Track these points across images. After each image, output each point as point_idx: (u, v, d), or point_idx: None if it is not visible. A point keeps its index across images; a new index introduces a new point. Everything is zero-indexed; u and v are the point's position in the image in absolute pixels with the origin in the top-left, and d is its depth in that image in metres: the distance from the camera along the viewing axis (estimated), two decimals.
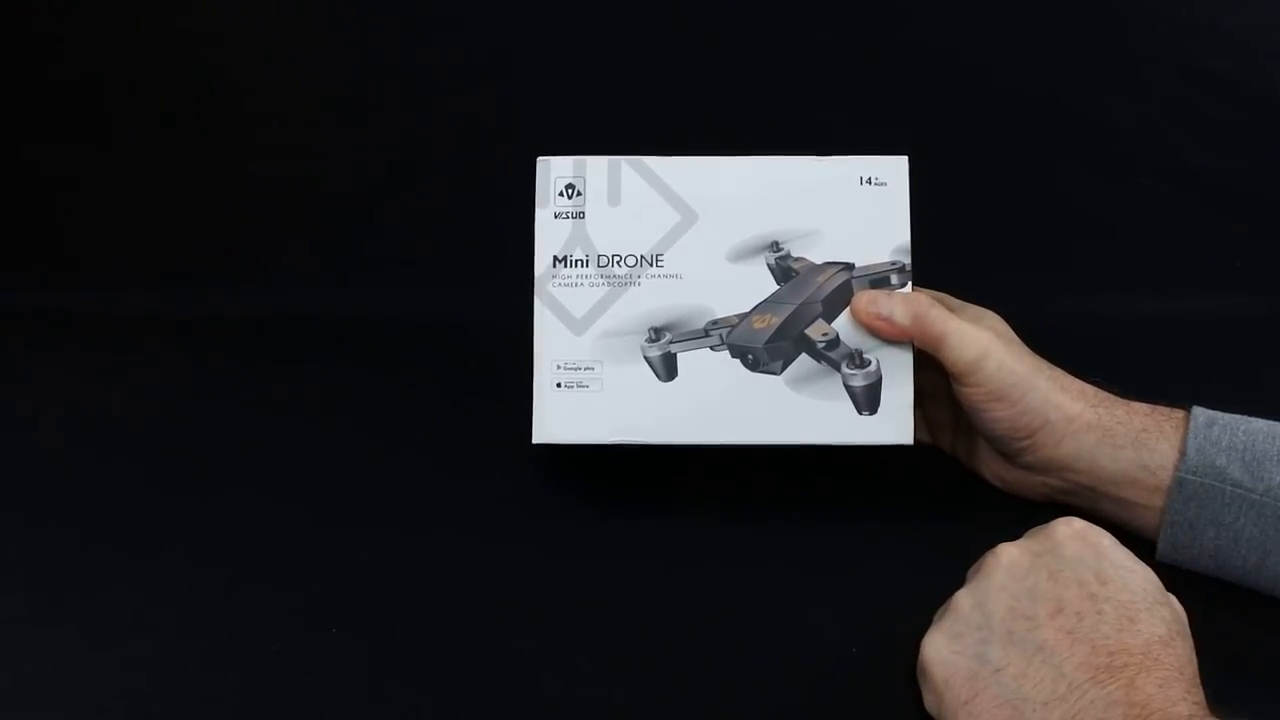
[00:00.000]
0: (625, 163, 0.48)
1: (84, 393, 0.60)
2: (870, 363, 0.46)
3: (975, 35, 0.63)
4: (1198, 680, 0.34)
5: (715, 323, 0.47)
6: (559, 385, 0.46)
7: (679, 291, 0.47)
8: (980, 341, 0.44)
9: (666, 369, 0.47)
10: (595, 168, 0.48)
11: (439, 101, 0.67)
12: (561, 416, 0.46)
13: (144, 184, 0.69)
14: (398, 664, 0.42)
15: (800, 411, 0.46)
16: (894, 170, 0.48)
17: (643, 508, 0.51)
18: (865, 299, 0.46)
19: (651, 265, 0.47)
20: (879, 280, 0.47)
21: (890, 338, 0.46)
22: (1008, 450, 0.47)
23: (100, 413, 0.58)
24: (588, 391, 0.46)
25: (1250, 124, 0.64)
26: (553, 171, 0.48)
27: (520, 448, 0.55)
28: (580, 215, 0.48)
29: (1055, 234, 0.66)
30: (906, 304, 0.45)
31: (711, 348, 0.46)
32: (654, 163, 0.48)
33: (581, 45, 0.65)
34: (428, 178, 0.68)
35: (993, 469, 0.49)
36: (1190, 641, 0.36)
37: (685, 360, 0.47)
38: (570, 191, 0.48)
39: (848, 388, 0.46)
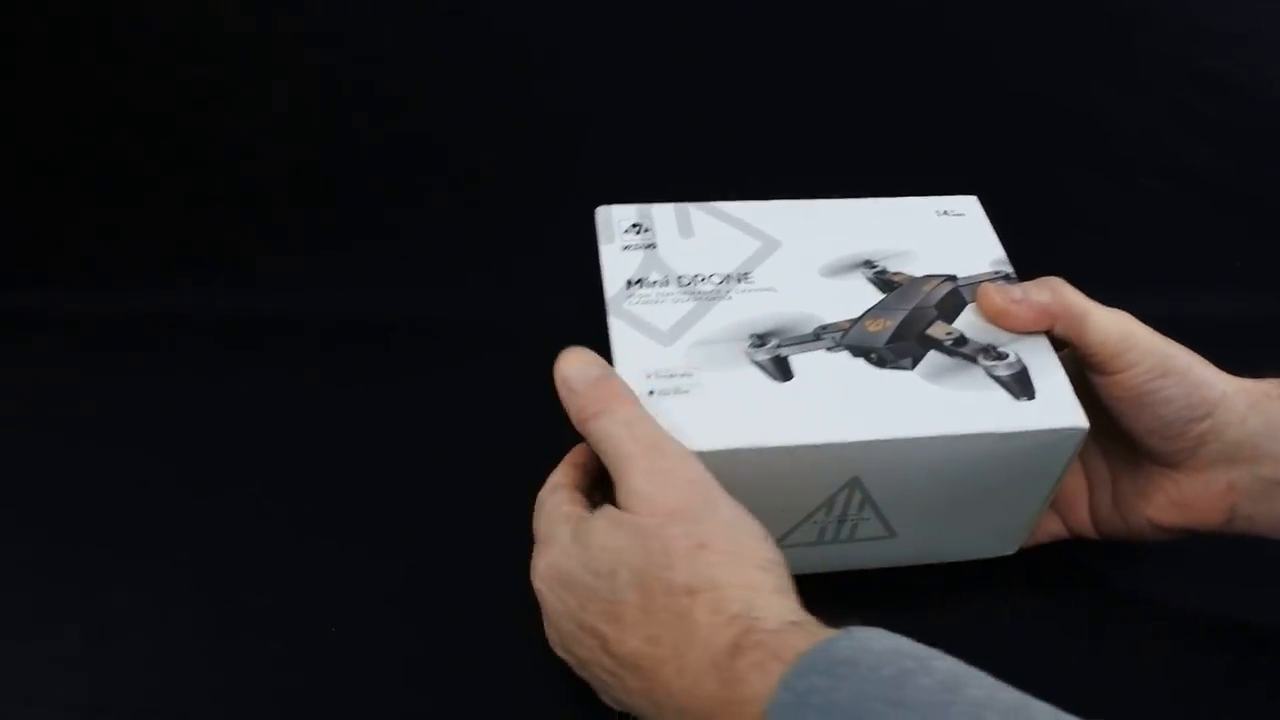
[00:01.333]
0: (693, 207, 0.46)
1: (83, 392, 0.60)
2: (1008, 354, 0.41)
3: (975, 35, 0.63)
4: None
5: (825, 328, 0.42)
6: (651, 393, 0.39)
7: (776, 302, 0.42)
8: (1121, 317, 0.40)
9: (780, 370, 0.40)
10: (661, 211, 0.45)
11: (439, 101, 0.67)
12: (662, 421, 0.38)
13: (144, 184, 0.69)
14: (397, 664, 0.42)
15: (948, 402, 0.39)
16: (968, 205, 0.47)
17: None
18: (993, 288, 0.42)
19: (739, 281, 0.43)
20: (990, 279, 0.44)
21: (1025, 326, 0.41)
22: (1185, 441, 0.40)
23: (99, 413, 0.58)
24: (689, 397, 0.39)
25: (1250, 124, 0.64)
26: (614, 216, 0.45)
27: (522, 448, 0.55)
28: (652, 246, 0.44)
29: (1055, 234, 0.66)
30: (1041, 284, 0.41)
31: (827, 349, 0.41)
32: (723, 206, 0.46)
33: (594, 48, 0.65)
34: (429, 177, 0.68)
35: (1167, 494, 0.42)
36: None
37: (799, 362, 0.40)
38: (637, 229, 0.45)
39: (994, 378, 0.40)
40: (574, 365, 0.40)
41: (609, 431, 0.37)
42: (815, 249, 0.45)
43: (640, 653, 0.34)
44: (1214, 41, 0.62)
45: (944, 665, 0.30)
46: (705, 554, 0.34)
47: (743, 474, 0.37)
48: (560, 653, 0.39)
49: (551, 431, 0.57)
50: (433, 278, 0.68)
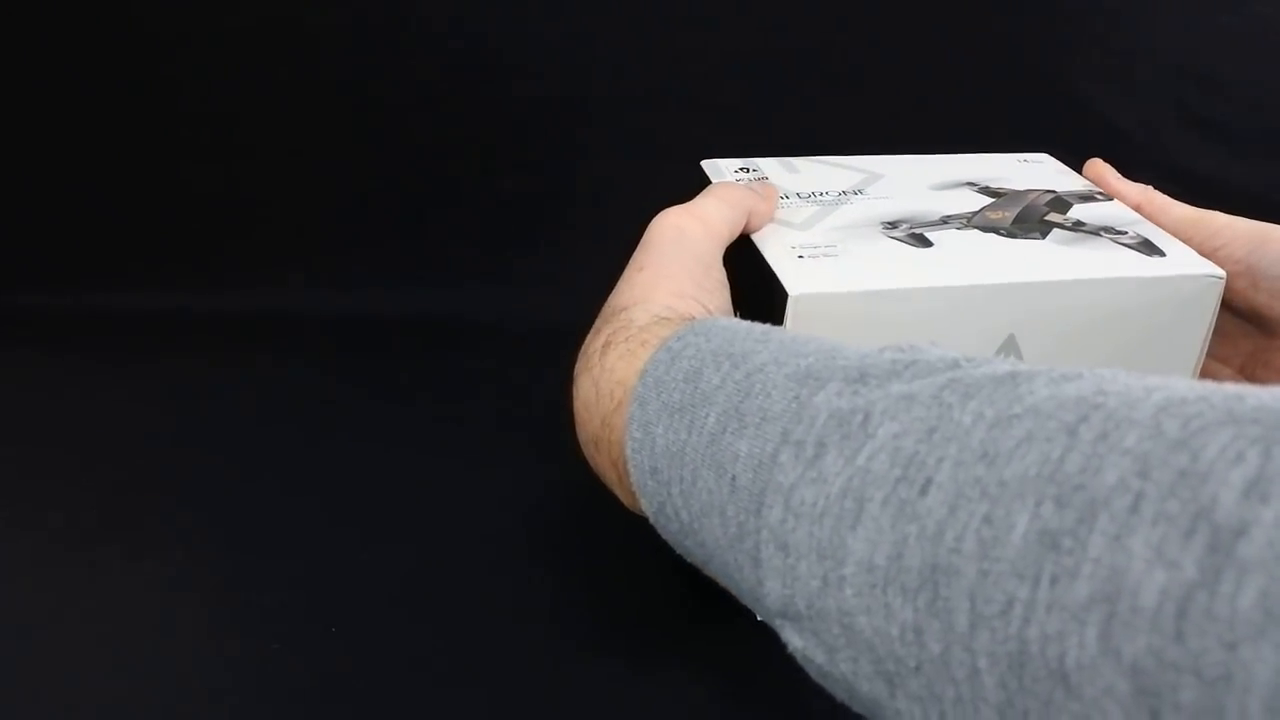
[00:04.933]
0: (793, 159, 0.48)
1: (83, 392, 0.60)
2: (1126, 231, 0.43)
3: (975, 35, 0.64)
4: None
5: (950, 216, 0.44)
6: (801, 257, 0.40)
7: (897, 205, 0.45)
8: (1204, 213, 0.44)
9: (919, 242, 0.42)
10: (765, 161, 0.48)
11: (440, 103, 0.67)
12: (815, 276, 0.39)
13: (144, 184, 0.69)
14: (397, 664, 0.42)
15: (1086, 258, 0.41)
16: (1044, 158, 0.51)
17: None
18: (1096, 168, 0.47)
19: (856, 194, 0.46)
20: (1086, 197, 0.46)
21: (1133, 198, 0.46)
22: None
23: (99, 413, 0.58)
24: (838, 260, 0.40)
25: (1250, 124, 0.64)
26: (721, 165, 0.48)
27: (523, 448, 0.55)
28: (764, 179, 0.47)
29: None
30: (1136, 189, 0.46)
31: (957, 228, 0.43)
32: (820, 157, 0.49)
33: (595, 48, 0.65)
34: (430, 177, 0.68)
35: None
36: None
37: (934, 236, 0.42)
38: (745, 171, 0.47)
39: (1122, 245, 0.42)
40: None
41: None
42: (917, 176, 0.48)
43: (572, 385, 0.36)
44: (1214, 41, 0.62)
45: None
46: (636, 274, 0.37)
47: (897, 325, 0.39)
48: None
49: (553, 432, 0.57)
50: (435, 277, 0.68)
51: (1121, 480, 0.19)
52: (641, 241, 0.39)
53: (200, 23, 0.65)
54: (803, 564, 0.24)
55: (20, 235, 0.70)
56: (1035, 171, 0.50)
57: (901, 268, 0.39)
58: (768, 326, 0.32)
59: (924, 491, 0.22)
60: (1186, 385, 0.21)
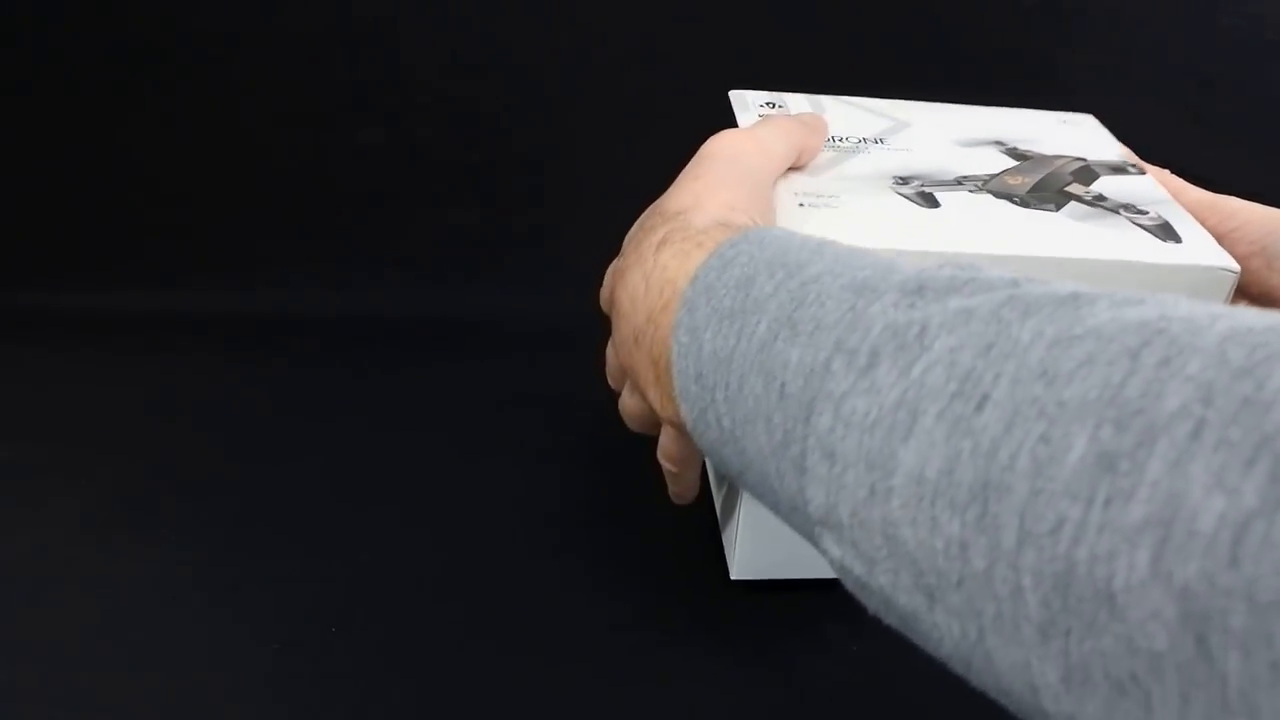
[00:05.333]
0: (823, 97, 0.48)
1: (83, 392, 0.60)
2: (1148, 211, 0.41)
3: (974, 33, 0.63)
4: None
5: (966, 177, 0.42)
6: (801, 205, 0.40)
7: (915, 158, 0.44)
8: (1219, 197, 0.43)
9: (927, 201, 0.40)
10: (793, 97, 0.47)
11: (439, 103, 0.67)
12: (805, 226, 0.38)
13: (144, 184, 0.69)
14: (398, 664, 0.42)
15: (1096, 236, 0.39)
16: (1086, 119, 0.49)
17: (648, 509, 0.51)
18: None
19: (877, 143, 0.45)
20: (1117, 169, 0.45)
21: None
22: None
23: (99, 413, 0.58)
24: (836, 212, 0.39)
25: (1250, 124, 0.64)
26: (749, 97, 0.47)
27: (523, 449, 0.55)
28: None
29: None
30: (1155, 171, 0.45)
31: (969, 191, 0.41)
32: (849, 98, 0.48)
33: (598, 48, 0.65)
34: (429, 177, 0.68)
35: None
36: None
37: (944, 198, 0.41)
38: (771, 105, 0.47)
39: (1139, 226, 0.40)
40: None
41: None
42: (946, 128, 0.47)
43: (617, 277, 0.36)
44: (1214, 41, 0.62)
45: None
46: (692, 183, 0.37)
47: None
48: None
49: (552, 432, 0.57)
50: (435, 277, 0.68)
51: (1183, 406, 0.19)
52: (696, 156, 0.39)
53: (200, 22, 0.65)
54: (850, 473, 0.24)
55: (20, 235, 0.70)
56: (1071, 135, 0.48)
57: (896, 228, 0.38)
58: (822, 239, 0.31)
59: (980, 408, 0.22)
60: (1254, 314, 0.21)
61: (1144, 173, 0.45)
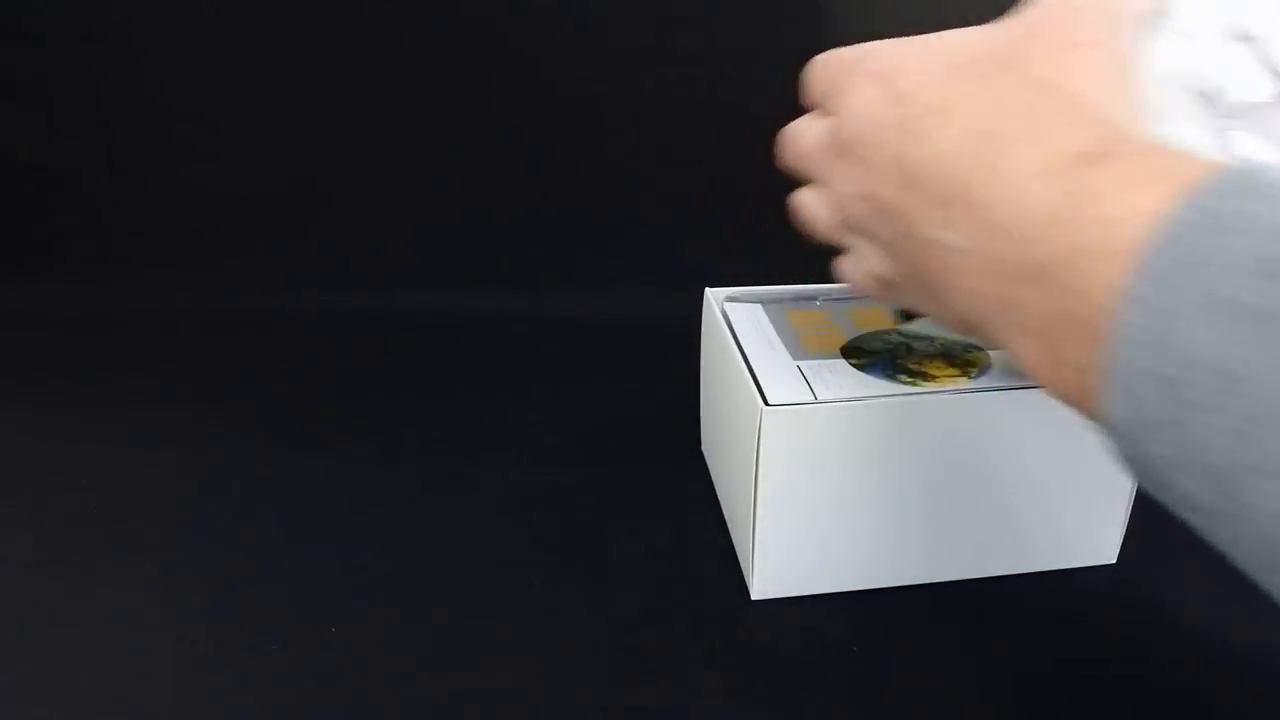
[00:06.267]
0: None
1: (82, 392, 0.60)
2: None
3: None
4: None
5: None
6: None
7: None
8: None
9: None
10: None
11: (440, 104, 0.67)
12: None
13: (144, 184, 0.69)
14: (398, 664, 0.42)
15: None
16: None
17: (648, 509, 0.51)
18: None
19: None
20: None
21: None
22: None
23: (98, 412, 0.58)
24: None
25: None
26: None
27: (524, 449, 0.55)
28: None
29: None
30: None
31: None
32: None
33: (600, 48, 0.65)
34: (432, 177, 0.68)
35: None
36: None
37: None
38: None
39: None
40: None
41: None
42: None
43: (949, 156, 0.27)
44: None
45: None
46: (1077, 54, 0.27)
47: None
48: (821, 210, 0.33)
49: (553, 432, 0.57)
50: (437, 277, 0.68)
51: None
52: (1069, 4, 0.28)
53: (201, 22, 0.65)
54: None
55: (20, 235, 0.70)
56: None
57: None
58: None
59: None
60: None
61: None
